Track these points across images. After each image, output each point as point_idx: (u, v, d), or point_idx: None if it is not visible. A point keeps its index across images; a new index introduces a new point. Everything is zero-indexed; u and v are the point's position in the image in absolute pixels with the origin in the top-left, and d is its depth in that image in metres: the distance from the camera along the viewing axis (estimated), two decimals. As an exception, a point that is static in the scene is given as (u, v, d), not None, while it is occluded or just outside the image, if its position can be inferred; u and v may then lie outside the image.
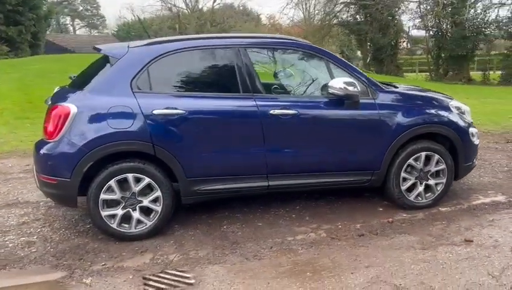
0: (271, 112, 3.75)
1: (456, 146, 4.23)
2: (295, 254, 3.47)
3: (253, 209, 4.32)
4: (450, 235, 3.73)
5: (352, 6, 25.18)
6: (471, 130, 4.36)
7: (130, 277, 3.15)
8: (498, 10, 21.07)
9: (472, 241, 3.59)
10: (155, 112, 3.55)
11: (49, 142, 3.53)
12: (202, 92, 3.78)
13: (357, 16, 25.20)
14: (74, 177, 3.48)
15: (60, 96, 3.77)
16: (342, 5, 25.60)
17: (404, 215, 4.17)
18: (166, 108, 3.57)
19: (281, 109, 3.77)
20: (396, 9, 23.32)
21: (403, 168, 4.11)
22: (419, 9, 22.68)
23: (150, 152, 3.56)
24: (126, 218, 3.62)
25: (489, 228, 3.86)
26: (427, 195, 4.25)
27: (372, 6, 21.68)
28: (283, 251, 3.51)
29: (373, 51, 24.47)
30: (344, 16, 25.34)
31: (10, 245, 3.64)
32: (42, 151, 3.56)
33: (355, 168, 4.05)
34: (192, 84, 3.84)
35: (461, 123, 4.28)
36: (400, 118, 4.04)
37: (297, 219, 4.11)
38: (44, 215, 4.23)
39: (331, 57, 4.06)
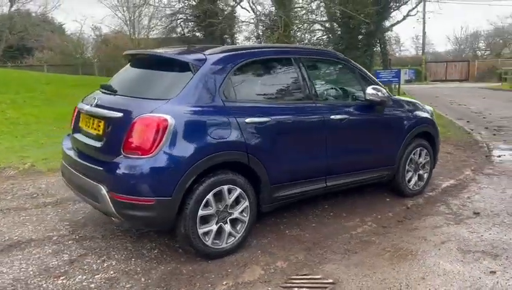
0: (332, 117, 4.07)
1: (435, 141, 5.24)
2: (373, 243, 3.86)
3: (291, 213, 4.48)
4: (459, 211, 4.66)
5: (191, 22, 25.92)
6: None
7: (269, 288, 3.07)
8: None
9: (479, 213, 4.56)
10: (247, 120, 3.49)
11: (142, 159, 3.10)
12: (277, 100, 3.87)
13: (197, 34, 26.03)
14: (176, 194, 3.16)
15: (128, 105, 3.33)
16: (180, 21, 26.11)
17: (410, 201, 4.95)
18: (257, 116, 3.54)
19: (337, 114, 4.12)
20: (236, 28, 25.02)
21: (407, 162, 4.90)
22: (255, 31, 24.81)
23: (244, 161, 3.47)
24: (217, 233, 3.43)
25: (474, 202, 4.94)
26: (419, 183, 5.13)
27: (216, 24, 22.81)
28: (363, 243, 3.86)
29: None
30: (186, 31, 25.87)
31: (93, 286, 3.04)
32: (131, 169, 3.11)
33: (382, 165, 4.66)
34: (268, 92, 3.89)
35: (435, 122, 5.33)
36: (408, 119, 4.84)
37: (338, 217, 4.47)
38: (92, 245, 3.59)
39: (358, 67, 4.60)
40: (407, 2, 20.65)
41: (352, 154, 4.35)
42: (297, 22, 23.48)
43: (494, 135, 9.47)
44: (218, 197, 3.38)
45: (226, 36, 25.47)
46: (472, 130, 9.89)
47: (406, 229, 4.20)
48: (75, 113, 4.01)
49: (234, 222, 3.52)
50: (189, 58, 3.49)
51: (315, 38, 23.96)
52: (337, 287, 3.09)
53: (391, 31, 22.60)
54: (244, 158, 3.46)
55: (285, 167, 3.75)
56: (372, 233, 4.07)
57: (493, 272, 3.26)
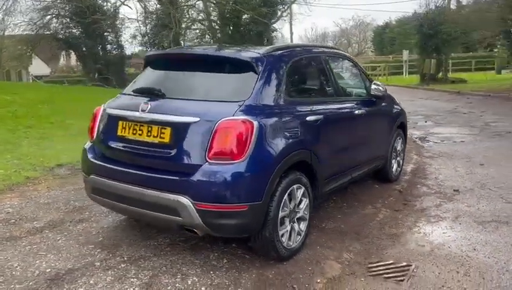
0: (356, 112, 4.30)
1: (405, 130, 5.86)
2: (403, 224, 4.23)
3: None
4: (441, 189, 5.31)
5: (66, 19, 23.75)
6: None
7: (362, 279, 3.19)
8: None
9: (458, 190, 5.27)
10: (308, 118, 3.52)
11: (233, 164, 2.94)
12: (320, 97, 3.96)
13: (74, 30, 23.94)
14: (265, 198, 3.06)
15: (202, 109, 3.09)
16: (52, 16, 23.75)
17: (397, 186, 5.48)
18: (313, 114, 3.59)
19: (357, 110, 4.37)
20: (120, 26, 23.64)
21: (392, 150, 5.41)
22: (139, 29, 23.79)
23: (308, 160, 3.49)
24: (289, 234, 3.42)
25: (444, 181, 5.66)
26: (397, 169, 5.69)
27: (100, 21, 21.29)
28: (395, 226, 4.20)
29: (100, 66, 23.88)
30: (60, 28, 23.57)
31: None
32: (221, 176, 2.92)
33: (382, 153, 5.06)
34: (312, 90, 3.95)
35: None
36: (394, 111, 5.34)
37: (352, 207, 4.72)
38: (152, 264, 3.22)
39: (359, 65, 4.91)
40: (294, 1, 21.91)
41: (367, 146, 4.65)
42: (186, 19, 23.26)
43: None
44: (289, 197, 3.36)
45: (106, 34, 23.97)
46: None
47: (415, 210, 4.65)
48: (97, 121, 3.56)
49: (299, 221, 3.53)
50: (249, 57, 3.37)
51: (207, 37, 23.97)
52: (416, 268, 3.33)
53: (277, 31, 23.68)
54: (309, 156, 3.50)
55: (332, 162, 3.87)
56: (393, 217, 4.43)
57: (519, 236, 3.87)
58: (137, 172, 3.18)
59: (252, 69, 3.29)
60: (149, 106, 3.20)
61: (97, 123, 3.56)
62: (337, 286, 3.10)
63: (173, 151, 3.07)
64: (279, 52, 3.58)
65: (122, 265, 3.29)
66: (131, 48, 27.00)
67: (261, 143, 3.03)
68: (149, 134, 3.19)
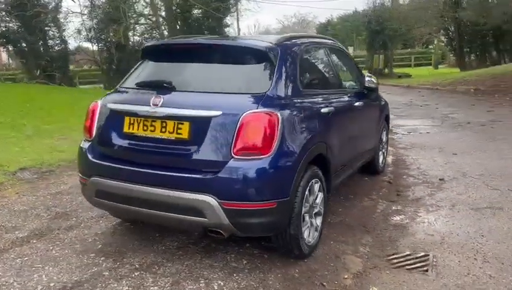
0: (356, 104, 4.27)
1: (388, 122, 5.94)
2: (406, 214, 4.25)
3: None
4: (427, 179, 5.43)
5: (2, 12, 22.10)
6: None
7: (387, 272, 3.15)
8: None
9: (443, 179, 5.41)
10: (322, 110, 3.42)
11: (261, 159, 2.77)
12: (329, 88, 3.87)
13: (11, 24, 22.32)
14: (292, 194, 2.94)
15: (222, 102, 2.90)
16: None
17: (385, 177, 5.54)
18: (326, 106, 3.50)
19: (358, 101, 4.34)
20: (62, 20, 22.34)
21: (379, 144, 5.46)
22: (84, 24, 22.65)
23: (324, 153, 3.40)
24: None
25: (427, 171, 5.81)
26: (383, 161, 5.76)
27: (43, 14, 20.02)
28: (401, 216, 4.23)
29: (45, 63, 22.46)
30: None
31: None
32: (250, 172, 2.75)
33: (374, 145, 5.07)
34: (320, 81, 3.84)
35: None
36: (381, 103, 5.39)
37: (349, 199, 4.69)
38: (169, 271, 2.98)
39: (352, 57, 4.88)
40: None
41: (364, 137, 4.64)
42: (131, 13, 22.41)
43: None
44: (309, 192, 3.25)
45: (47, 28, 22.59)
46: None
47: (410, 200, 4.71)
48: (95, 118, 3.26)
49: (316, 216, 3.42)
50: (264, 46, 3.20)
51: (155, 32, 23.25)
52: (434, 258, 3.34)
53: (229, 26, 23.45)
54: (325, 149, 3.40)
55: (340, 154, 3.79)
56: (393, 208, 4.46)
57: (515, 220, 4.01)
58: (152, 171, 2.93)
59: (267, 59, 3.13)
60: (161, 100, 2.95)
61: (95, 120, 3.25)
62: (365, 281, 3.03)
63: (193, 148, 2.85)
64: (292, 41, 3.45)
65: (136, 273, 3.03)
66: (75, 43, 25.55)
67: (286, 136, 2.89)
68: (163, 130, 2.94)
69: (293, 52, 3.35)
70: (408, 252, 3.44)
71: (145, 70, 3.46)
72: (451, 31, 27.05)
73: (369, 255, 3.41)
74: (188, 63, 3.35)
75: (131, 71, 3.56)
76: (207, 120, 2.83)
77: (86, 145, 3.29)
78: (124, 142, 3.09)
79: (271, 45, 3.22)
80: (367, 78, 4.66)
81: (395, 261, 3.31)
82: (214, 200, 2.73)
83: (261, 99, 2.90)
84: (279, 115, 2.84)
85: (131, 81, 3.41)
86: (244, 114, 2.78)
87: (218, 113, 2.81)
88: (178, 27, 23.25)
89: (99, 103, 3.31)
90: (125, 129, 3.08)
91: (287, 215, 2.93)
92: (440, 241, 3.63)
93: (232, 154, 2.76)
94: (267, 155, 2.78)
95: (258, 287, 2.88)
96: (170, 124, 2.92)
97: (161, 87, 3.12)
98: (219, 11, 20.60)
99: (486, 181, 5.21)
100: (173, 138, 2.91)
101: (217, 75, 3.18)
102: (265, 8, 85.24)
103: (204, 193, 2.76)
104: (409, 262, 3.28)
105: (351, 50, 33.17)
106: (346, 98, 4.14)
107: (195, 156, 2.84)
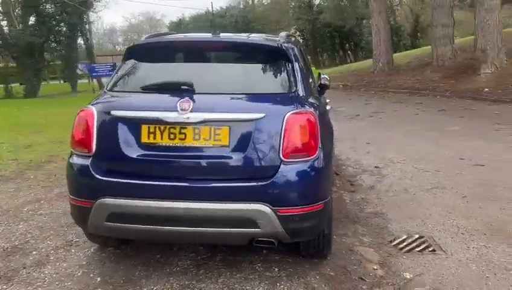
0: (326, 100, 4.39)
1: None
2: (377, 202, 4.55)
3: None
4: (365, 167, 5.89)
5: None
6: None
7: (404, 257, 3.35)
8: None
9: (378, 166, 5.92)
10: (327, 108, 3.46)
11: (309, 160, 2.68)
12: (313, 87, 3.87)
13: None
14: (330, 193, 2.91)
15: (260, 103, 2.74)
16: None
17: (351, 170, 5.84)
18: (326, 104, 3.54)
19: (324, 98, 4.47)
20: None
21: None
22: None
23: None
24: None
25: (358, 160, 6.29)
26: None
27: None
28: (371, 204, 4.50)
29: None
30: None
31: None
32: (302, 175, 2.64)
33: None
34: (312, 79, 3.83)
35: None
36: (326, 101, 5.63)
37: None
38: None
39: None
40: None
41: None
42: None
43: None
44: (329, 189, 3.26)
45: None
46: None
47: (366, 188, 5.06)
48: (92, 129, 2.76)
49: (329, 212, 3.45)
50: (278, 44, 3.07)
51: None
52: (430, 239, 3.65)
53: (93, 23, 21.73)
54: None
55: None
56: (358, 197, 4.73)
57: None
58: (189, 184, 2.60)
59: (285, 58, 3.02)
60: (191, 104, 2.63)
61: (94, 131, 2.74)
62: (394, 268, 3.16)
63: (235, 155, 2.62)
64: (292, 39, 3.40)
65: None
66: None
67: (322, 135, 2.85)
68: (196, 137, 2.63)
69: (300, 50, 3.31)
70: (405, 236, 3.70)
71: (143, 72, 3.05)
72: (306, 32, 29.44)
73: (375, 244, 3.57)
74: (198, 63, 3.06)
75: (117, 73, 3.08)
76: (249, 123, 2.63)
77: (84, 161, 2.75)
78: (143, 154, 2.67)
79: (277, 43, 3.11)
80: (322, 76, 4.82)
81: (401, 246, 3.53)
82: (267, 208, 2.56)
83: (295, 99, 2.81)
84: (316, 114, 2.80)
85: (125, 84, 2.97)
86: (287, 115, 2.65)
87: (261, 115, 2.63)
88: (30, 22, 20.73)
89: (93, 110, 2.79)
90: (144, 139, 2.67)
91: (326, 216, 2.90)
92: (421, 223, 3.97)
93: (282, 158, 2.62)
94: (314, 156, 2.70)
95: (308, 292, 2.80)
96: (205, 130, 2.63)
97: (178, 89, 2.78)
98: (81, 5, 18.91)
99: (414, 165, 5.86)
100: (210, 145, 2.63)
101: (236, 76, 2.97)
102: (109, 5, 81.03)
103: (257, 202, 2.56)
104: (414, 245, 3.53)
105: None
106: (322, 95, 4.24)
107: (238, 163, 2.61)
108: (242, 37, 3.43)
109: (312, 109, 2.81)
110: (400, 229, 3.84)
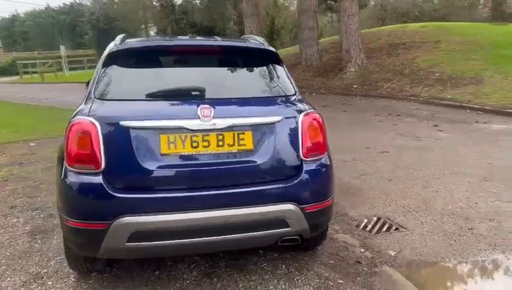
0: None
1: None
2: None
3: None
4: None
5: None
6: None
7: (378, 238, 3.74)
8: None
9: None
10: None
11: (322, 158, 2.86)
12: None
13: None
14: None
15: (274, 107, 2.80)
16: None
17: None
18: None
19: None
20: None
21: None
22: None
23: None
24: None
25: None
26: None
27: None
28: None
29: None
30: None
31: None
32: (320, 172, 2.82)
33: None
34: None
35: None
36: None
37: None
38: None
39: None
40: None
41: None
42: None
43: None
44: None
45: None
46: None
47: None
48: (98, 142, 2.50)
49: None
50: (270, 49, 3.16)
51: None
52: (388, 219, 4.11)
53: None
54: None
55: None
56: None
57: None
58: (220, 192, 2.54)
59: (276, 61, 3.14)
60: (212, 110, 2.57)
61: (100, 145, 2.47)
62: (376, 249, 3.50)
63: (259, 158, 2.65)
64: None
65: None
66: None
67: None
68: (220, 143, 2.58)
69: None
70: (366, 220, 4.11)
71: (140, 78, 2.83)
72: (170, 32, 29.09)
73: (347, 230, 3.89)
74: (201, 68, 2.96)
75: (101, 80, 2.79)
76: (270, 126, 2.69)
77: (93, 179, 2.45)
78: (164, 165, 2.51)
79: (265, 46, 3.21)
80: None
81: (368, 228, 3.93)
82: (295, 206, 2.66)
83: (301, 101, 2.95)
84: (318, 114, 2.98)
85: (120, 91, 2.72)
86: (300, 116, 2.78)
87: (280, 118, 2.71)
88: None
89: (94, 121, 2.51)
90: (164, 150, 2.51)
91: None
92: (372, 206, 4.43)
93: (302, 158, 2.74)
94: (326, 153, 2.88)
95: (326, 281, 2.97)
96: (228, 136, 2.59)
97: (189, 96, 2.69)
98: None
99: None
100: (235, 150, 2.61)
101: (241, 79, 2.99)
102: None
103: (286, 202, 2.64)
104: (378, 226, 3.96)
105: (62, 49, 30.92)
106: None
107: (264, 166, 2.65)
108: (240, 41, 3.40)
109: (315, 109, 2.97)
110: (359, 214, 4.24)
